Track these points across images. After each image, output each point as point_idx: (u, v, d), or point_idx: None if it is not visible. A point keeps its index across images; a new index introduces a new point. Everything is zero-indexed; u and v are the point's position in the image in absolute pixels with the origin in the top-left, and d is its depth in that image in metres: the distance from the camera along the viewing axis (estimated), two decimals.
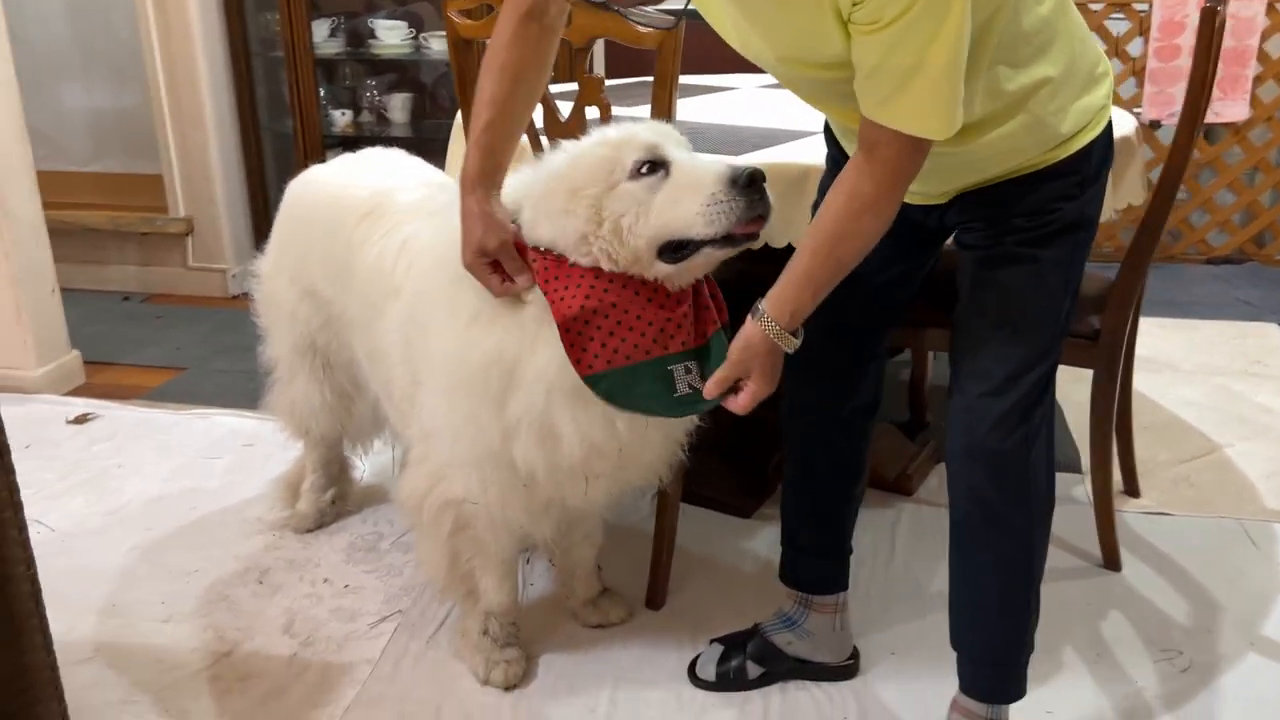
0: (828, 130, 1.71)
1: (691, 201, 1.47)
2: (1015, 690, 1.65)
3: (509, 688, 1.91)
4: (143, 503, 2.57)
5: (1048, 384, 1.54)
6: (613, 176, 1.50)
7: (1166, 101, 4.13)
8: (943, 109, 1.29)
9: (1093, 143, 1.50)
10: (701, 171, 1.48)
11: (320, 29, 3.91)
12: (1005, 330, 1.51)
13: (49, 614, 1.72)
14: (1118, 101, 4.14)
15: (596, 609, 2.08)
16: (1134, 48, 4.18)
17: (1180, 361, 3.40)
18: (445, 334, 1.64)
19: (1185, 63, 4.08)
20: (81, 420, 3.01)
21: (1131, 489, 2.57)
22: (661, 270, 1.52)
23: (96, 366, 3.41)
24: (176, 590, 2.22)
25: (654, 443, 1.68)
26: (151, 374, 3.40)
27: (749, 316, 1.49)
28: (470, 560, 1.88)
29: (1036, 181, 1.49)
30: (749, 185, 1.45)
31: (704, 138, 2.17)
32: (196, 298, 4.10)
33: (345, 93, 4.15)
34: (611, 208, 1.50)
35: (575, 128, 1.87)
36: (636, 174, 1.50)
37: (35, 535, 2.39)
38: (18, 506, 1.56)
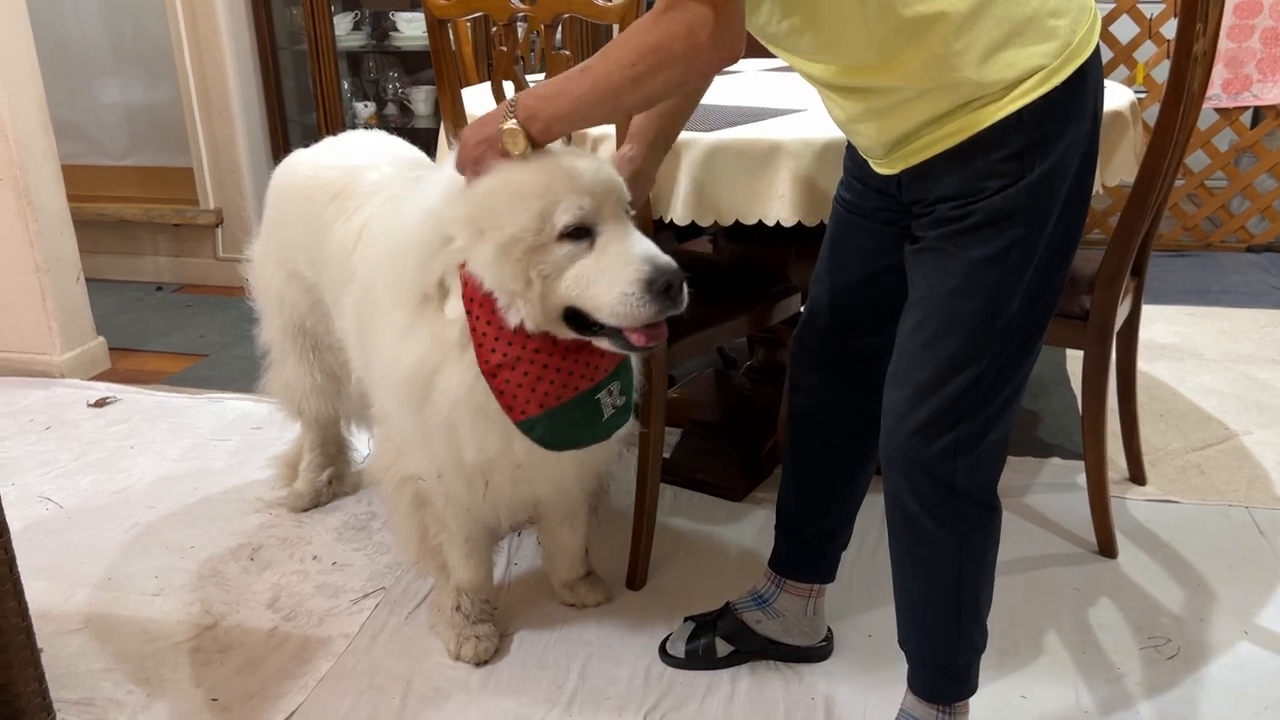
0: (848, 159, 1.61)
1: (605, 288, 1.42)
2: (959, 690, 1.59)
3: (479, 663, 1.92)
4: (149, 482, 2.64)
5: (984, 393, 1.39)
6: (542, 234, 1.43)
7: (1244, 83, 4.03)
8: None
9: (1028, 108, 1.28)
10: (623, 261, 1.42)
11: (343, 22, 3.98)
12: (927, 330, 1.40)
13: (45, 587, 1.79)
14: (1150, 85, 4.06)
15: (573, 591, 2.08)
16: (1168, 30, 4.07)
17: (1205, 349, 3.30)
18: (383, 340, 1.64)
19: (1257, 44, 4.00)
20: (101, 404, 3.10)
21: (1137, 476, 2.50)
22: (566, 334, 1.51)
23: (122, 353, 3.51)
24: (170, 565, 2.27)
25: (559, 465, 1.70)
26: (173, 360, 3.48)
27: None
28: (436, 536, 1.91)
29: (961, 155, 1.32)
30: (664, 292, 1.40)
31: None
32: (226, 288, 4.18)
33: (369, 85, 4.21)
34: (537, 266, 1.45)
35: None
36: (563, 236, 1.44)
37: (44, 511, 2.51)
38: None
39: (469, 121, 2.12)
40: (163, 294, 4.19)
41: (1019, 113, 1.29)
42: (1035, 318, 1.40)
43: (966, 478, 1.43)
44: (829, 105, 1.48)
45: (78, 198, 3.38)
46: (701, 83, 1.57)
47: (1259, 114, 4.23)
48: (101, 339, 3.42)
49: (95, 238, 4.05)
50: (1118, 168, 2.11)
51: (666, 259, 1.43)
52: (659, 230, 2.00)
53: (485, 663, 1.93)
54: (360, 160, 1.98)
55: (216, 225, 4.17)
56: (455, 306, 1.52)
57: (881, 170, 1.52)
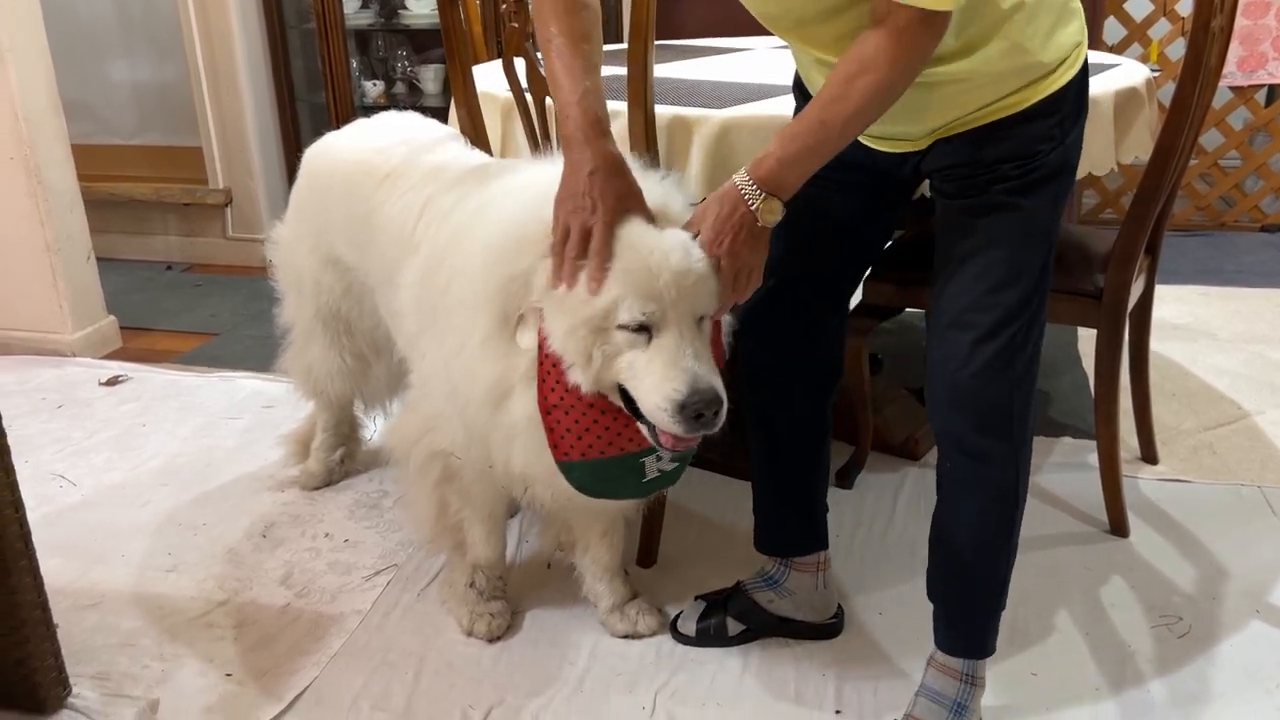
0: (796, 85, 1.68)
1: (646, 390, 1.42)
2: (988, 644, 1.63)
3: (492, 639, 1.93)
4: (161, 460, 2.65)
5: (1029, 331, 1.50)
6: (606, 320, 1.42)
7: (1259, 60, 4.00)
8: None
9: (1071, 81, 1.47)
10: (666, 375, 1.40)
11: (351, 1, 3.96)
12: (992, 278, 1.48)
13: (60, 564, 1.80)
14: (1164, 63, 4.03)
15: (624, 617, 1.95)
16: (1183, 7, 4.03)
17: (1219, 330, 3.29)
18: (457, 337, 1.61)
19: (1273, 21, 3.97)
20: (113, 382, 3.11)
21: (1149, 455, 2.50)
22: (619, 402, 1.50)
23: (133, 332, 3.52)
24: (183, 542, 2.28)
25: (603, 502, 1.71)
26: (185, 339, 3.49)
27: None
28: (459, 512, 1.90)
29: (1019, 123, 1.46)
30: (696, 418, 1.40)
31: (696, 92, 2.16)
32: (235, 267, 4.19)
33: (378, 64, 4.19)
34: (600, 345, 1.44)
35: None
36: (623, 326, 1.43)
37: (57, 489, 2.52)
38: (4, 450, 1.61)
39: (478, 99, 2.13)
40: (172, 273, 4.20)
41: (1070, 83, 1.47)
42: (1051, 261, 1.54)
43: (1021, 409, 1.51)
44: None
45: (87, 177, 3.39)
46: None
47: (1274, 92, 4.20)
48: (112, 318, 3.43)
49: (105, 217, 4.05)
50: (1133, 144, 2.10)
51: (708, 382, 1.40)
52: None
53: (498, 639, 1.93)
54: (411, 144, 1.96)
55: (226, 205, 4.17)
56: (529, 339, 1.51)
57: (897, 150, 1.53)
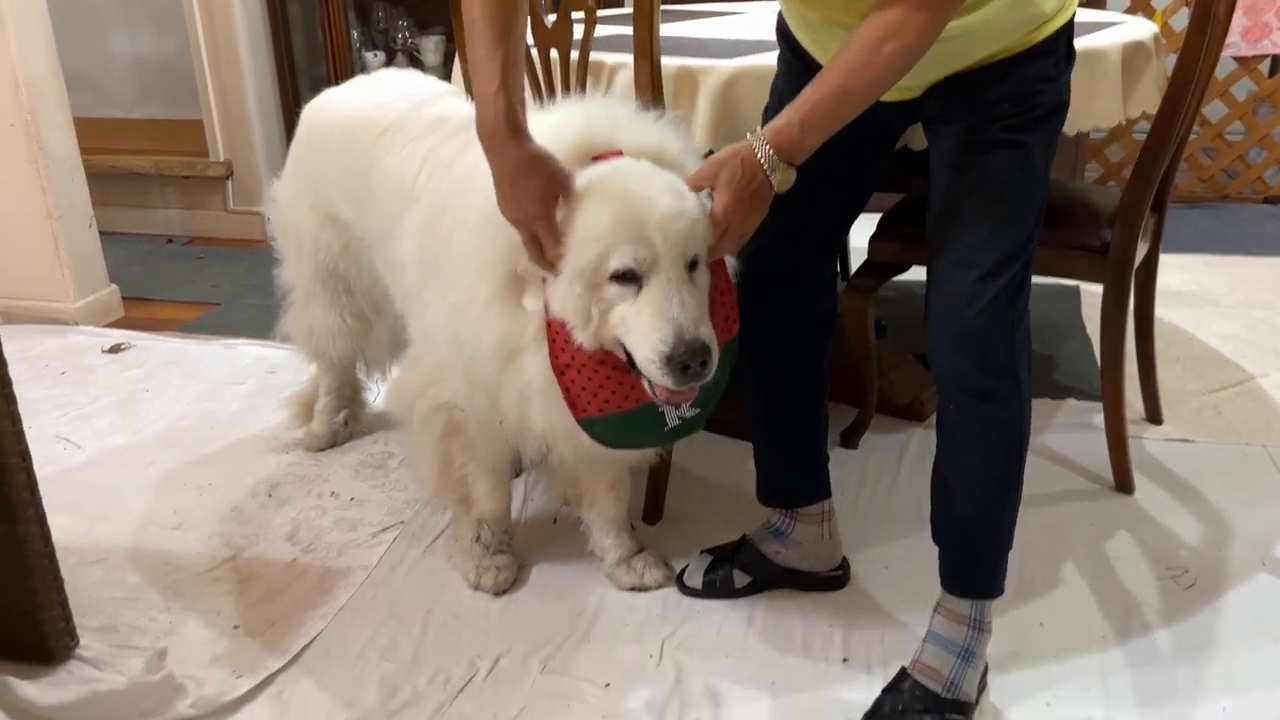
0: (781, 33, 1.68)
1: (636, 342, 1.43)
2: (996, 583, 1.63)
3: (498, 592, 1.93)
4: (165, 424, 2.65)
5: (1027, 271, 1.52)
6: (598, 273, 1.43)
7: (1263, 30, 3.99)
8: None
9: (1067, 22, 1.50)
10: (653, 325, 1.40)
11: None
12: (995, 215, 1.48)
13: (65, 522, 1.80)
14: (1168, 34, 4.02)
15: (630, 570, 1.95)
16: None
17: (1222, 297, 3.29)
18: (461, 293, 1.60)
19: None
20: (116, 350, 3.11)
21: (1154, 416, 2.50)
22: (625, 359, 1.49)
23: (134, 302, 3.51)
24: (188, 501, 2.28)
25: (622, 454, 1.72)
26: (186, 309, 3.49)
27: None
28: (463, 467, 1.90)
29: (1017, 64, 1.47)
30: (683, 371, 1.39)
31: (702, 47, 2.15)
32: (237, 240, 4.18)
33: (378, 35, 4.18)
34: (596, 301, 1.45)
35: (562, 32, 1.86)
36: (613, 278, 1.43)
37: (61, 451, 2.52)
38: (11, 399, 1.61)
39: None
40: (173, 246, 4.19)
41: (1064, 25, 1.50)
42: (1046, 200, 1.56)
43: (1022, 347, 1.52)
44: None
45: (87, 150, 3.36)
46: None
47: (1277, 63, 4.19)
48: (114, 287, 3.42)
49: (105, 190, 4.03)
50: (1140, 99, 2.09)
51: (695, 333, 1.39)
52: None
53: (504, 592, 1.94)
54: (410, 98, 1.96)
55: (226, 177, 4.16)
56: (534, 301, 1.52)
57: (893, 99, 1.52)
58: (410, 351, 1.91)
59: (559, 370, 1.52)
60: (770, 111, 1.65)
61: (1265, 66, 4.18)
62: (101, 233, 3.41)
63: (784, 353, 1.76)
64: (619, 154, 1.50)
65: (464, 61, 2.03)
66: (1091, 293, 3.18)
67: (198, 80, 4.04)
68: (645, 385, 1.49)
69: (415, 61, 4.13)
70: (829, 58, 1.41)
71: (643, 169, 1.46)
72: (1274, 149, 4.21)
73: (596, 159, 1.50)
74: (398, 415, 1.93)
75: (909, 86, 1.52)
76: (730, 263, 1.58)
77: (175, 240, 4.23)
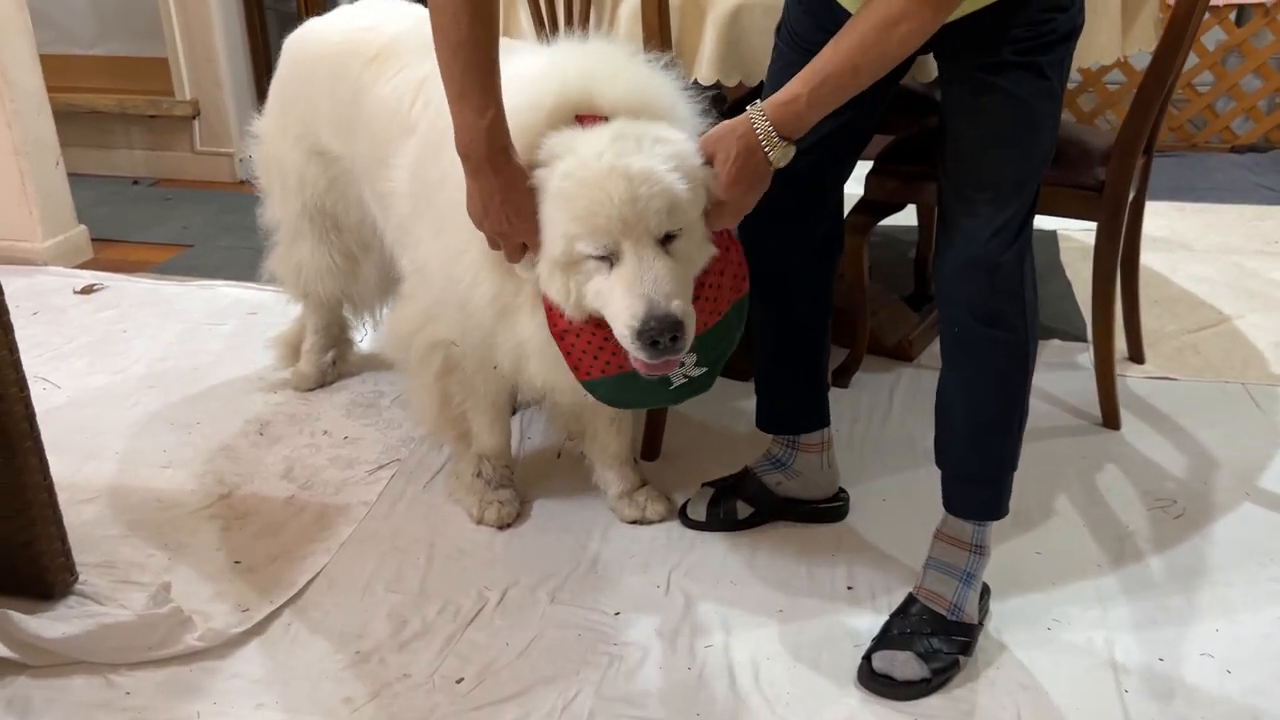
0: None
1: (612, 317, 1.44)
2: (1001, 506, 1.66)
3: (502, 526, 1.94)
4: (147, 363, 2.60)
5: (1036, 199, 1.53)
6: (571, 255, 1.45)
7: None
8: None
9: None
10: (625, 301, 1.41)
11: None
12: (1008, 137, 1.49)
13: (54, 460, 1.76)
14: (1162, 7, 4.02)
15: (633, 503, 1.96)
16: None
17: (1194, 241, 3.34)
18: (458, 237, 1.60)
19: None
20: (88, 291, 3.03)
21: (1136, 356, 2.54)
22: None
23: (104, 243, 3.42)
24: (178, 441, 2.25)
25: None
26: (158, 250, 3.40)
27: None
28: (461, 404, 1.89)
29: None
30: (652, 345, 1.40)
31: None
32: (204, 182, 4.08)
33: None
34: (573, 277, 1.47)
35: None
36: (589, 256, 1.44)
37: (40, 391, 2.46)
38: (7, 328, 1.57)
39: None
40: (140, 188, 4.07)
41: None
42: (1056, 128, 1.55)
43: (1029, 271, 1.54)
44: None
45: (46, 88, 3.24)
46: None
47: (1245, 13, 4.23)
48: (83, 227, 3.33)
49: (65, 130, 3.86)
50: (1138, 37, 2.11)
51: (664, 308, 1.39)
52: None
53: (508, 526, 1.94)
54: (398, 24, 1.92)
55: (193, 117, 4.04)
56: (527, 268, 1.52)
57: None
58: (404, 287, 1.88)
59: (558, 335, 1.53)
60: (783, 30, 1.63)
61: (1234, 16, 4.22)
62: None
63: (791, 279, 1.76)
64: (602, 118, 1.47)
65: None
66: (1069, 237, 3.24)
67: (162, 15, 3.90)
68: (630, 357, 1.48)
69: None
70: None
71: (604, 148, 1.42)
72: (1242, 99, 4.27)
73: (580, 118, 1.48)
74: (394, 352, 1.92)
75: None
76: None
77: (141, 182, 4.11)
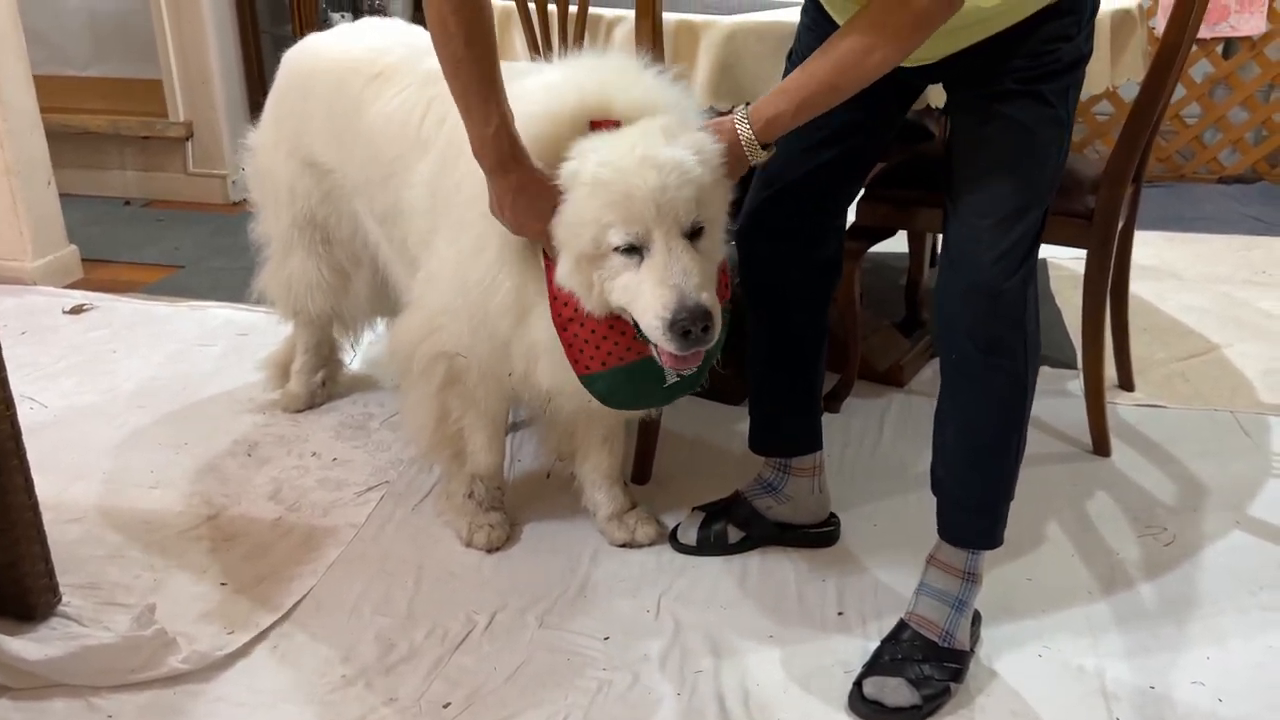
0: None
1: (640, 309, 1.46)
2: (996, 535, 1.65)
3: (491, 550, 1.92)
4: (135, 384, 2.58)
5: (1041, 228, 1.54)
6: (599, 249, 1.47)
7: (1222, 13, 4.07)
8: None
9: None
10: (655, 292, 1.43)
11: None
12: (1011, 163, 1.50)
13: (40, 480, 1.75)
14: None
15: (623, 525, 1.95)
16: None
17: (1184, 270, 3.37)
18: (472, 243, 1.64)
19: None
20: (78, 311, 3.02)
21: (1126, 383, 2.55)
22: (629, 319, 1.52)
23: (95, 263, 3.41)
24: (165, 461, 2.23)
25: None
26: (149, 271, 3.40)
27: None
28: (459, 419, 1.88)
29: (1033, 25, 1.48)
30: (684, 336, 1.42)
31: (701, 3, 2.14)
32: (197, 203, 4.08)
33: None
34: (598, 272, 1.49)
35: None
36: (616, 249, 1.46)
37: (28, 410, 2.44)
38: None
39: None
40: (131, 208, 4.07)
41: None
42: (1065, 158, 1.56)
43: (1033, 304, 1.54)
44: None
45: (40, 108, 3.24)
46: None
47: (1231, 46, 4.28)
48: (74, 247, 3.32)
49: (59, 150, 3.87)
50: (1126, 67, 2.13)
51: (696, 299, 1.42)
52: None
53: (498, 550, 1.92)
54: (402, 44, 1.93)
55: (186, 139, 4.05)
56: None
57: (910, 65, 1.52)
58: (412, 297, 1.87)
59: (562, 326, 1.54)
60: (795, 58, 1.66)
61: (1220, 49, 4.27)
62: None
63: (789, 298, 1.77)
64: (616, 123, 1.50)
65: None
66: (1059, 265, 3.26)
67: (157, 38, 3.92)
68: (653, 352, 1.51)
69: None
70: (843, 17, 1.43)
71: (635, 141, 1.46)
72: (1229, 130, 4.32)
73: (594, 124, 1.50)
74: (396, 363, 1.90)
75: (930, 56, 1.53)
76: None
77: (133, 203, 4.11)
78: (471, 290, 1.63)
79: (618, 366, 1.55)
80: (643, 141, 1.45)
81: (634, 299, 1.46)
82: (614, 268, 1.47)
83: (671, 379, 1.59)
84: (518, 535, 1.98)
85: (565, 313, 1.54)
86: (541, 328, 1.59)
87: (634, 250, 1.45)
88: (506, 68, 1.46)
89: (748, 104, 1.50)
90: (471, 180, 1.57)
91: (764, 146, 1.49)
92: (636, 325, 1.50)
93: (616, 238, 1.45)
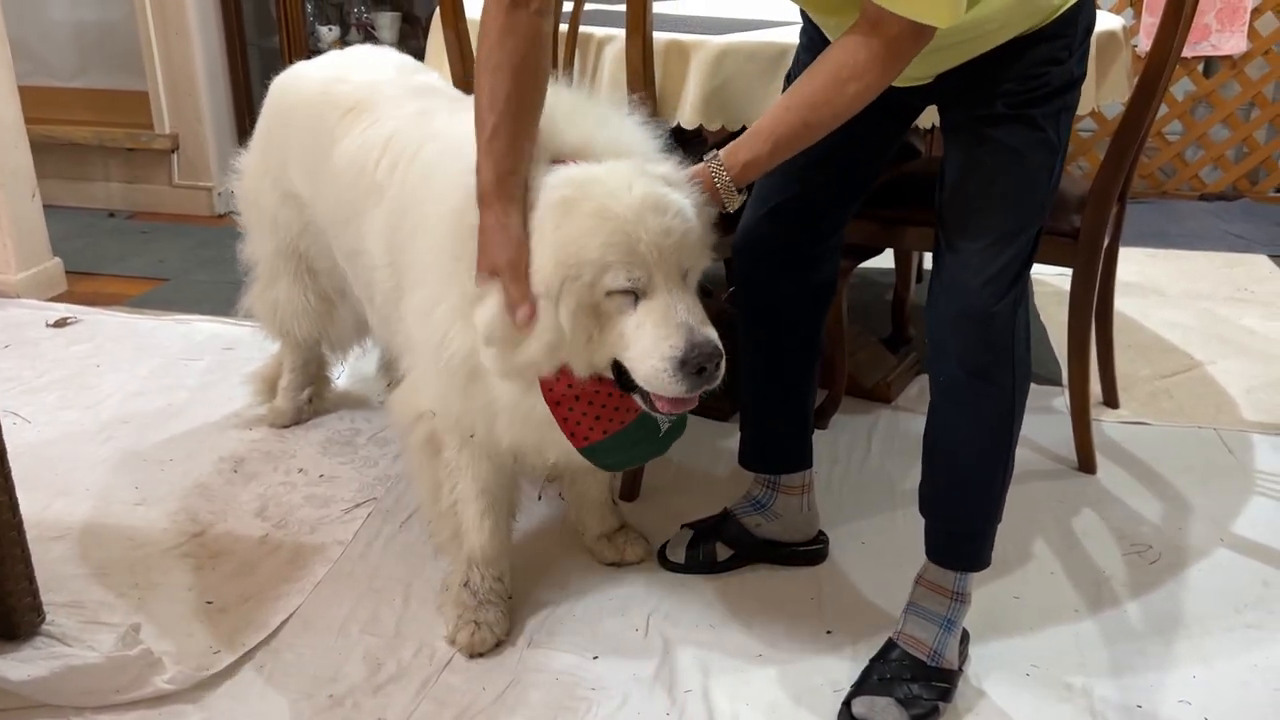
0: (806, 15, 1.68)
1: (641, 354, 1.37)
2: (984, 556, 1.66)
3: (472, 655, 1.70)
4: (119, 398, 2.57)
5: (1033, 250, 1.54)
6: (596, 291, 1.37)
7: (1203, 32, 4.11)
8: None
9: (1077, 4, 1.49)
10: (661, 333, 1.35)
11: None
12: (1001, 187, 1.50)
13: (22, 496, 1.74)
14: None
15: (612, 545, 1.93)
16: None
17: (1167, 287, 3.39)
18: (429, 299, 1.55)
19: None
20: (62, 324, 3.00)
21: (1111, 400, 2.57)
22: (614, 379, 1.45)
23: (79, 276, 3.39)
24: (150, 477, 2.22)
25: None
26: (133, 283, 3.38)
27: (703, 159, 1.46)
28: (451, 491, 1.75)
29: (1023, 48, 1.48)
30: (697, 372, 1.35)
31: (693, 23, 2.15)
32: (182, 215, 4.07)
33: (332, 9, 4.10)
34: (588, 321, 1.40)
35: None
36: (612, 293, 1.38)
37: (10, 425, 2.42)
38: None
39: (466, 23, 2.09)
40: (116, 220, 4.05)
41: (1075, 7, 1.49)
42: (1058, 180, 1.56)
43: (1024, 328, 1.55)
44: None
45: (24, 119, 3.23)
46: None
47: (1212, 64, 4.32)
48: (58, 260, 3.30)
49: (43, 161, 3.86)
50: (1111, 88, 2.14)
51: (705, 334, 1.36)
52: None
53: (480, 656, 1.70)
54: (378, 76, 1.91)
55: (172, 151, 4.04)
56: (525, 311, 1.43)
57: (903, 85, 1.53)
58: (403, 364, 1.78)
59: (553, 403, 1.46)
60: (793, 80, 1.65)
61: (1201, 68, 4.31)
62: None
63: (782, 316, 1.77)
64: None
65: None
66: (1044, 282, 3.28)
67: (143, 49, 3.91)
68: (639, 401, 1.44)
69: (370, 37, 4.06)
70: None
71: (633, 180, 1.39)
72: (1210, 148, 4.36)
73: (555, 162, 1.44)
74: (397, 433, 1.85)
75: (921, 75, 1.54)
76: None
77: (117, 215, 4.09)
78: (425, 348, 1.56)
79: (618, 432, 1.49)
80: (639, 182, 1.39)
81: (630, 345, 1.38)
82: (609, 314, 1.39)
83: (664, 426, 1.52)
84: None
85: (558, 390, 1.45)
86: (498, 388, 1.50)
87: (629, 294, 1.38)
88: (459, 96, 1.41)
89: (716, 151, 1.45)
90: (424, 234, 1.52)
91: (739, 190, 1.46)
92: (619, 379, 1.43)
93: (616, 280, 1.36)
